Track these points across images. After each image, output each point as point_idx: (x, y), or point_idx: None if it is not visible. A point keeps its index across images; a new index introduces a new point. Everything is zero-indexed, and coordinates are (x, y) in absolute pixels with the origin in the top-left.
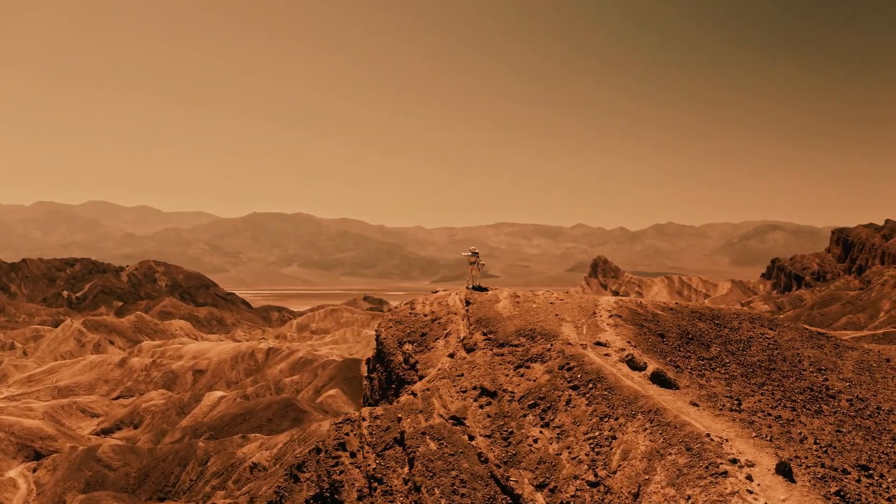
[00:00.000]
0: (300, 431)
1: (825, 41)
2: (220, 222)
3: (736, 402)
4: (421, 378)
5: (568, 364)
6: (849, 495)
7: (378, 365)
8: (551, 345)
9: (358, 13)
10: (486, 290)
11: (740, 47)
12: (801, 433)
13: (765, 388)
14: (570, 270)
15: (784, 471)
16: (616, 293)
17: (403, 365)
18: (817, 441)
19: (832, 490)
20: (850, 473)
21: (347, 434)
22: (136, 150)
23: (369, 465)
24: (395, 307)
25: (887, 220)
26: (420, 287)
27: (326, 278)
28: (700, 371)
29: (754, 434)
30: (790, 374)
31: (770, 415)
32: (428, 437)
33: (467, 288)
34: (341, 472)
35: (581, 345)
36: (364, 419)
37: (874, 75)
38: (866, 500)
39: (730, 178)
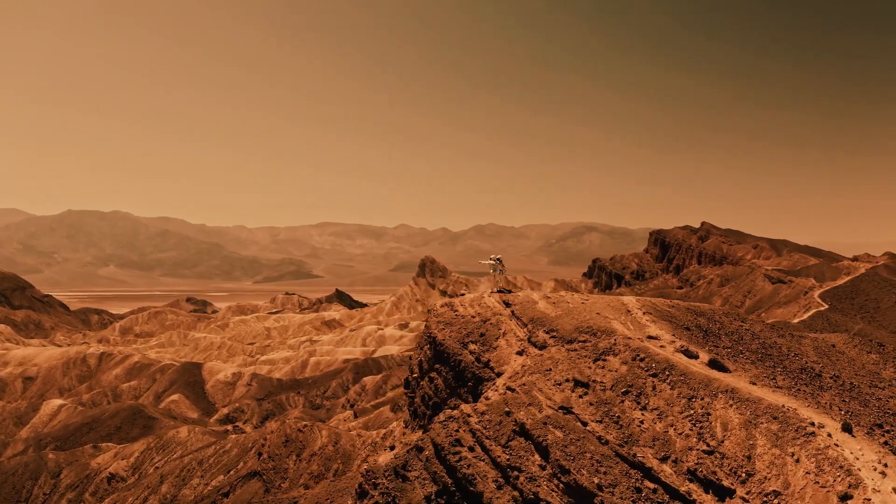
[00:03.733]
0: (156, 439)
1: (655, 43)
2: (34, 220)
3: (773, 381)
4: (498, 374)
5: (638, 355)
6: (889, 444)
7: (438, 365)
8: (614, 340)
9: (181, 2)
10: (509, 291)
11: (563, 50)
12: (826, 402)
13: (777, 370)
14: (393, 270)
15: (848, 429)
16: (444, 293)
17: (476, 363)
18: (839, 408)
19: (881, 441)
20: (882, 427)
21: (457, 430)
22: None
23: (498, 457)
24: (436, 309)
25: (703, 223)
26: (243, 288)
27: (145, 279)
28: (730, 357)
29: (806, 404)
30: (784, 358)
31: (801, 390)
32: (550, 426)
33: (492, 292)
34: (468, 465)
35: (638, 338)
36: (470, 416)
37: (689, 80)
38: None
39: (548, 181)
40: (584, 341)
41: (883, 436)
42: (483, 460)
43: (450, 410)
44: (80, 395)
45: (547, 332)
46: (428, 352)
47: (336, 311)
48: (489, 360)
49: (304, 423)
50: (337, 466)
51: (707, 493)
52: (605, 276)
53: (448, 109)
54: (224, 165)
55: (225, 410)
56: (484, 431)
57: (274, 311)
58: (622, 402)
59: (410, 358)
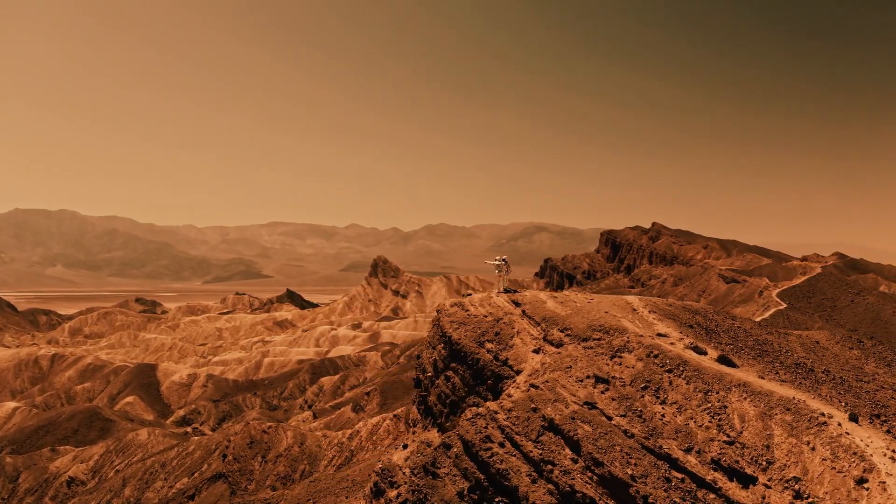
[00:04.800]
0: (116, 442)
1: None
2: None
3: (776, 375)
4: (517, 372)
5: (652, 352)
6: (892, 432)
7: (454, 364)
8: (627, 337)
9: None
10: (515, 291)
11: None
12: (826, 395)
13: (775, 364)
14: (344, 270)
15: (854, 418)
16: (397, 293)
17: (495, 362)
18: (839, 399)
19: (884, 429)
20: (879, 417)
21: (486, 427)
22: None
23: (530, 452)
24: (447, 309)
25: (654, 223)
26: (192, 288)
27: (93, 279)
28: (733, 354)
29: (812, 396)
30: (779, 354)
31: (801, 384)
32: (579, 420)
33: (499, 292)
34: (501, 461)
35: (649, 336)
36: (497, 412)
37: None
38: None
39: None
40: (599, 339)
41: (882, 425)
42: (514, 455)
43: (476, 408)
44: (32, 398)
45: (561, 331)
46: (442, 351)
47: (288, 312)
48: (507, 359)
49: (269, 424)
50: (303, 467)
51: (731, 480)
52: (556, 276)
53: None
54: (173, 164)
55: (181, 412)
56: (513, 427)
57: (225, 311)
58: (642, 396)
59: (418, 357)
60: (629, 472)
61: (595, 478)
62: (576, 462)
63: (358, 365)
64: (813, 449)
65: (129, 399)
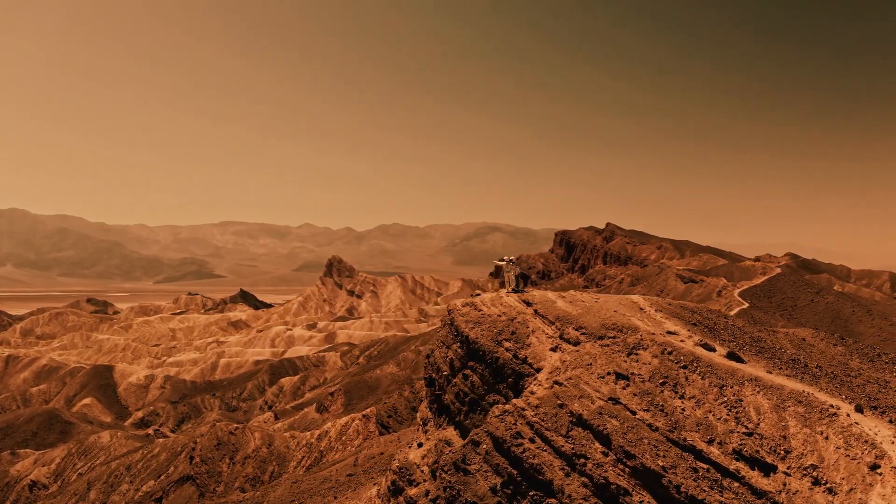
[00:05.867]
0: (77, 444)
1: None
2: None
3: (780, 370)
4: (537, 370)
5: (666, 349)
6: (894, 423)
7: (472, 363)
8: (640, 335)
9: None
10: (523, 291)
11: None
12: (826, 388)
13: (774, 361)
14: (297, 270)
15: (860, 410)
16: (352, 292)
17: (515, 360)
18: (838, 393)
19: (887, 420)
20: (877, 409)
21: (515, 424)
22: None
23: (561, 446)
24: (459, 308)
25: (608, 224)
26: (144, 288)
27: (43, 279)
28: (737, 350)
29: (825, 388)
30: (775, 351)
31: (802, 378)
32: (606, 415)
33: (509, 291)
34: (533, 456)
35: (660, 334)
36: (524, 409)
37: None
38: None
39: (452, 181)
40: (614, 337)
41: (882, 416)
42: (545, 450)
43: (503, 405)
44: None
45: (576, 330)
46: (459, 350)
47: (242, 312)
48: (526, 357)
49: (236, 425)
50: (272, 468)
51: (753, 469)
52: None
53: (352, 107)
54: (125, 162)
55: (140, 414)
56: (542, 423)
57: (178, 311)
58: (661, 392)
59: (427, 357)
60: (660, 463)
61: (627, 470)
62: (606, 455)
63: (317, 365)
64: (826, 438)
65: (87, 401)
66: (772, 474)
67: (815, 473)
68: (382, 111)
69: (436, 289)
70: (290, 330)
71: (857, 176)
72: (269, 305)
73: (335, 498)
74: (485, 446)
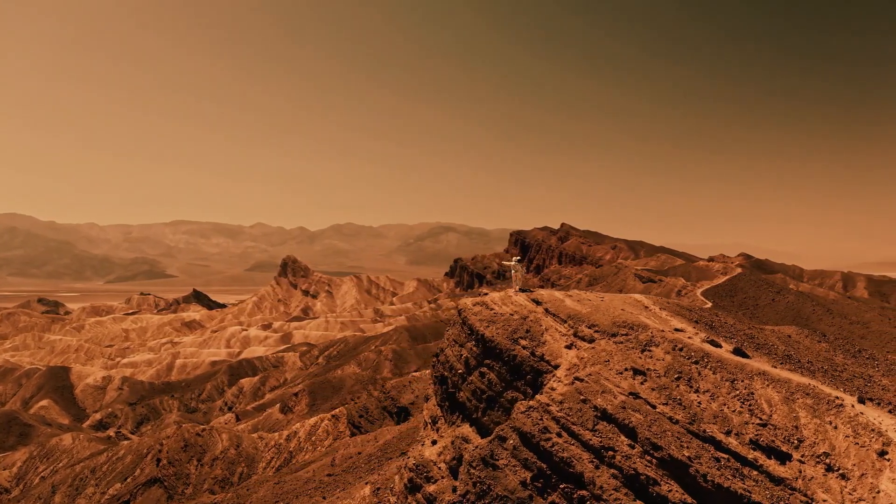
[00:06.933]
0: (38, 447)
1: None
2: None
3: (783, 365)
4: (555, 367)
5: (676, 346)
6: (894, 413)
7: (488, 361)
8: (651, 333)
9: None
10: (530, 290)
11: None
12: (823, 381)
13: (773, 356)
14: (250, 270)
15: (862, 401)
16: (307, 292)
17: (532, 357)
18: (836, 385)
19: (887, 410)
20: (873, 401)
21: (541, 419)
22: None
23: (589, 440)
24: (471, 308)
25: (563, 224)
26: (95, 288)
27: None
28: (740, 346)
29: (821, 382)
30: (769, 347)
31: (802, 373)
32: (629, 409)
33: (517, 290)
34: (562, 450)
35: (669, 331)
36: (549, 405)
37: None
38: None
39: (406, 181)
40: (626, 335)
41: (879, 408)
42: (573, 444)
43: (526, 402)
44: None
45: (589, 327)
46: (474, 348)
47: (196, 312)
48: (543, 354)
49: (202, 427)
50: (241, 470)
51: (770, 458)
52: (466, 276)
53: (304, 104)
54: (75, 160)
55: (98, 416)
56: (568, 418)
57: (130, 312)
58: (677, 386)
59: (436, 357)
60: (685, 454)
61: (654, 461)
62: (633, 447)
63: (276, 366)
64: (835, 428)
65: (44, 403)
66: (787, 462)
67: (827, 461)
68: (336, 109)
69: (391, 289)
70: (246, 330)
71: (807, 177)
72: (223, 305)
73: (324, 498)
74: (512, 441)
